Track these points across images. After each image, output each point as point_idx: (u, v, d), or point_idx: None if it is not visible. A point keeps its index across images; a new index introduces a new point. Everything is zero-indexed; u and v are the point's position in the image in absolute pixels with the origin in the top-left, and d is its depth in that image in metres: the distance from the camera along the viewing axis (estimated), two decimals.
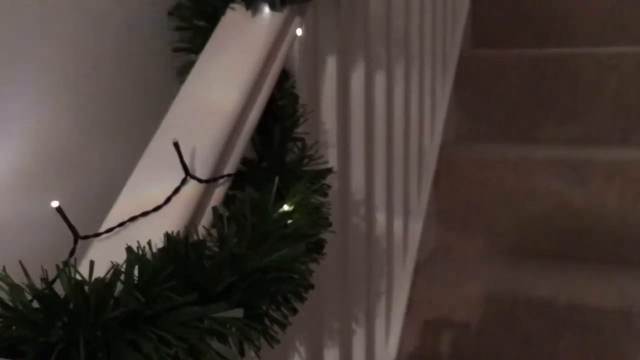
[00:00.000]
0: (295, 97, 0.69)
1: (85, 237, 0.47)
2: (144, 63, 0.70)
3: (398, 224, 1.14)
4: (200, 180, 0.52)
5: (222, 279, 0.43)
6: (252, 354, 0.47)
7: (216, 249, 0.47)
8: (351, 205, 0.94)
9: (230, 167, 0.57)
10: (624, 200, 1.21)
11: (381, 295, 1.08)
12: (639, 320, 1.03)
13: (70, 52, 0.60)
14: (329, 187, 0.66)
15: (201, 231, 0.51)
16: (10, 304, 0.40)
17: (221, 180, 0.55)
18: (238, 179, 0.60)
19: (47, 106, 0.58)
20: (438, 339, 1.16)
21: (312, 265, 0.55)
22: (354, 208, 0.96)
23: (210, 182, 0.53)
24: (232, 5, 0.67)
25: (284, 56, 0.66)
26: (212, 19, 0.68)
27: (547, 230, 1.26)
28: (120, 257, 0.44)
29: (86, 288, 0.41)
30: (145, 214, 0.49)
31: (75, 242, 0.47)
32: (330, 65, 0.84)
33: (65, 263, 0.43)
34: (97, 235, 0.48)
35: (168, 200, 0.50)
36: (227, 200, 0.57)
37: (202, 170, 0.53)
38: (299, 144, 0.69)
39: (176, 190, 0.51)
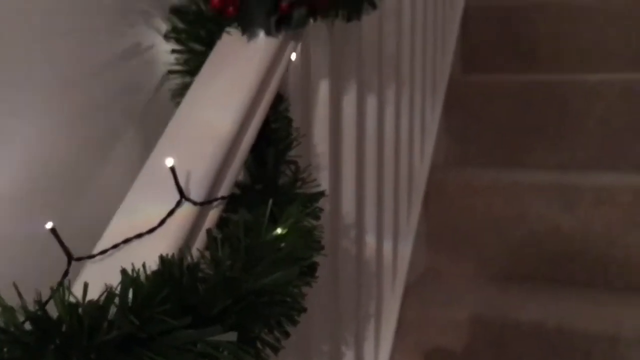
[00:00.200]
0: (289, 120, 0.70)
1: (79, 259, 0.47)
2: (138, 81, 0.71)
3: (388, 247, 1.15)
4: (195, 203, 0.52)
5: (217, 303, 0.43)
6: None
7: (210, 272, 0.47)
8: (342, 227, 0.95)
9: (224, 190, 0.58)
10: (611, 226, 1.22)
11: (370, 317, 1.08)
12: (625, 347, 1.04)
13: (61, 73, 0.61)
14: (321, 210, 0.66)
15: (195, 254, 0.51)
16: (3, 325, 0.40)
17: (215, 203, 0.56)
18: (231, 202, 0.60)
19: (38, 125, 0.58)
20: None
21: (303, 288, 0.55)
22: (344, 230, 0.96)
23: (204, 204, 0.53)
24: (227, 29, 0.68)
25: (279, 80, 0.66)
26: (207, 43, 0.69)
27: (536, 254, 1.27)
28: (114, 279, 0.44)
29: (80, 310, 0.41)
30: (139, 235, 0.49)
31: (69, 263, 0.47)
32: (323, 89, 0.85)
33: (59, 285, 0.43)
34: (91, 257, 0.48)
35: (163, 222, 0.50)
36: (221, 222, 0.58)
37: (196, 192, 0.53)
38: (292, 166, 0.69)
39: (171, 212, 0.51)
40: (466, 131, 1.53)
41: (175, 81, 0.70)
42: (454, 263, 1.35)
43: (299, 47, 0.75)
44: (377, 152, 1.06)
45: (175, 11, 0.70)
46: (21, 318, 0.41)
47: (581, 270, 1.25)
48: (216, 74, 0.64)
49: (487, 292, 1.24)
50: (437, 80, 1.45)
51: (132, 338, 0.40)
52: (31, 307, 0.41)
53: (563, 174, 1.36)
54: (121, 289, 0.42)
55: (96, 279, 0.44)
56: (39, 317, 0.40)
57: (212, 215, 0.55)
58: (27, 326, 0.40)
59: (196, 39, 0.69)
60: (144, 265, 0.45)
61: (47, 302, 0.42)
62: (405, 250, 1.26)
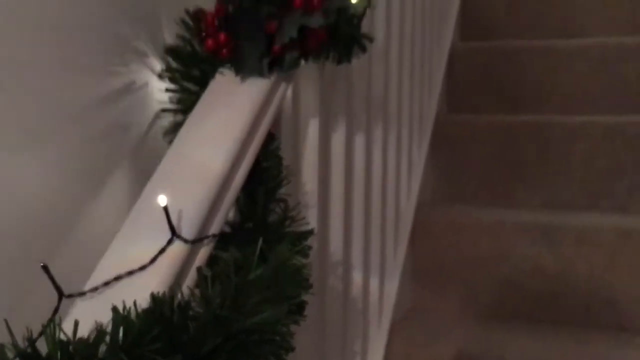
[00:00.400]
0: (280, 159, 0.71)
1: (70, 296, 0.47)
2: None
3: (374, 284, 1.15)
4: (186, 241, 0.53)
5: (207, 341, 0.43)
6: None
7: (200, 310, 0.48)
8: (329, 265, 0.95)
9: (215, 228, 0.59)
10: (593, 266, 1.24)
11: (356, 355, 1.08)
12: None
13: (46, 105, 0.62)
14: (310, 248, 0.67)
15: (185, 291, 0.52)
16: None
17: (206, 241, 0.56)
18: (222, 239, 0.61)
19: (30, 162, 0.59)
20: None
21: (292, 326, 0.55)
22: (332, 268, 0.97)
23: (195, 242, 0.54)
24: (221, 69, 0.70)
25: (271, 120, 0.68)
26: (201, 82, 0.70)
27: (520, 293, 1.28)
28: (105, 317, 0.44)
29: (70, 348, 0.41)
30: (130, 273, 0.50)
31: (60, 300, 0.47)
32: (313, 128, 0.87)
33: (49, 321, 0.43)
34: (82, 293, 0.48)
35: (154, 259, 0.51)
36: (211, 260, 0.58)
37: (188, 230, 0.54)
38: (282, 204, 0.70)
39: (162, 250, 0.51)
40: (452, 169, 1.55)
41: (168, 119, 0.71)
42: (440, 300, 1.35)
43: (290, 87, 0.77)
44: (365, 190, 1.07)
45: (170, 51, 0.72)
46: (11, 355, 0.41)
47: (565, 309, 1.26)
48: (209, 114, 0.65)
49: (472, 330, 1.25)
50: (423, 120, 1.48)
51: None
52: (21, 343, 0.41)
53: (546, 213, 1.39)
54: (112, 326, 0.43)
55: (87, 316, 0.45)
56: (28, 355, 0.40)
57: (203, 253, 0.56)
58: None
59: (190, 79, 0.71)
60: (134, 303, 0.45)
61: (37, 339, 0.42)
62: (392, 287, 1.26)
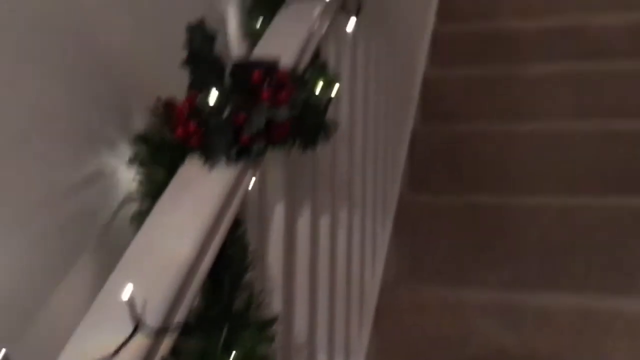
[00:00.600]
0: (246, 246, 0.72)
1: None
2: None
3: None
4: (150, 332, 0.53)
5: None
6: None
7: None
8: (293, 348, 0.95)
9: (180, 316, 0.58)
10: (554, 345, 1.25)
11: None
12: None
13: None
14: (275, 334, 0.67)
15: None
16: None
17: (171, 330, 0.56)
18: (186, 327, 0.60)
19: None
20: None
21: None
22: (296, 350, 0.96)
23: (160, 333, 0.54)
24: (190, 157, 0.71)
25: (237, 208, 0.70)
26: (169, 169, 0.72)
27: None
28: None
29: None
30: None
31: None
32: (278, 212, 0.88)
33: None
34: None
35: (117, 351, 0.51)
36: (175, 349, 0.58)
37: (153, 319, 0.54)
38: (247, 290, 0.71)
39: (125, 342, 0.51)
40: (415, 249, 1.57)
41: (135, 205, 0.72)
42: None
43: (257, 174, 0.79)
44: (330, 272, 1.08)
45: (140, 138, 0.74)
46: None
47: None
48: (176, 202, 0.67)
49: None
50: (387, 201, 1.51)
51: None
52: None
53: (506, 292, 1.41)
54: None
55: None
56: None
57: (167, 343, 0.56)
58: None
59: (159, 165, 0.73)
60: None
61: None
62: None
